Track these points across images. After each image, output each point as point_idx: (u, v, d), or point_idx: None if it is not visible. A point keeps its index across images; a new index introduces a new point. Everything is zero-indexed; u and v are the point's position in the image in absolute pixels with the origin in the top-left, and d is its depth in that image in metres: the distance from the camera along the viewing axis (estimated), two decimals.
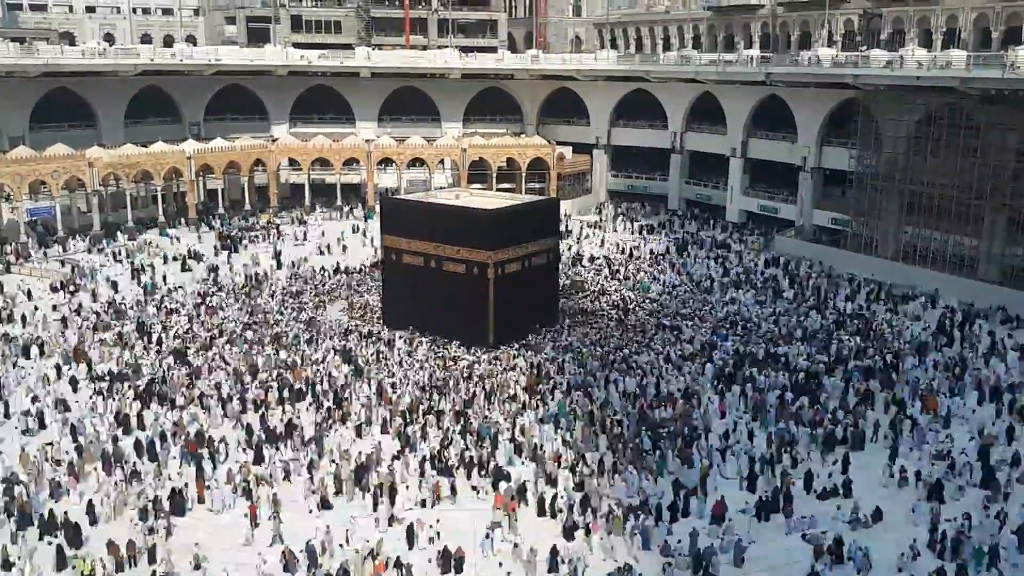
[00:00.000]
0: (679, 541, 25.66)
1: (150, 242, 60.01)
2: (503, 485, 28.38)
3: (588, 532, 26.31)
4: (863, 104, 56.16)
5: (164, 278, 51.99)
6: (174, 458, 30.50)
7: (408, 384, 36.26)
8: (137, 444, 30.76)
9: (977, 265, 51.13)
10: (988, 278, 50.12)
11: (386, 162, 73.35)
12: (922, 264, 52.91)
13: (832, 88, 59.84)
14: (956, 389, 36.76)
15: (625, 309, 47.63)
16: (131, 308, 46.43)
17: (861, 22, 65.23)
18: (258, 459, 30.22)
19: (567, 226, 64.75)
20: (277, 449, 30.90)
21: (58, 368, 37.93)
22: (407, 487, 28.59)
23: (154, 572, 23.98)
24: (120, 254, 57.21)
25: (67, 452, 30.46)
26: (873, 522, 26.84)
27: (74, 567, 23.97)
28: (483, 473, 29.47)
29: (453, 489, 28.63)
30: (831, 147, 62.54)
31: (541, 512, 27.61)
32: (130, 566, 24.45)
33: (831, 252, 58.21)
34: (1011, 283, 49.08)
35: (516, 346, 41.21)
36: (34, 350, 39.83)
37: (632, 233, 67.73)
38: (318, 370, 37.74)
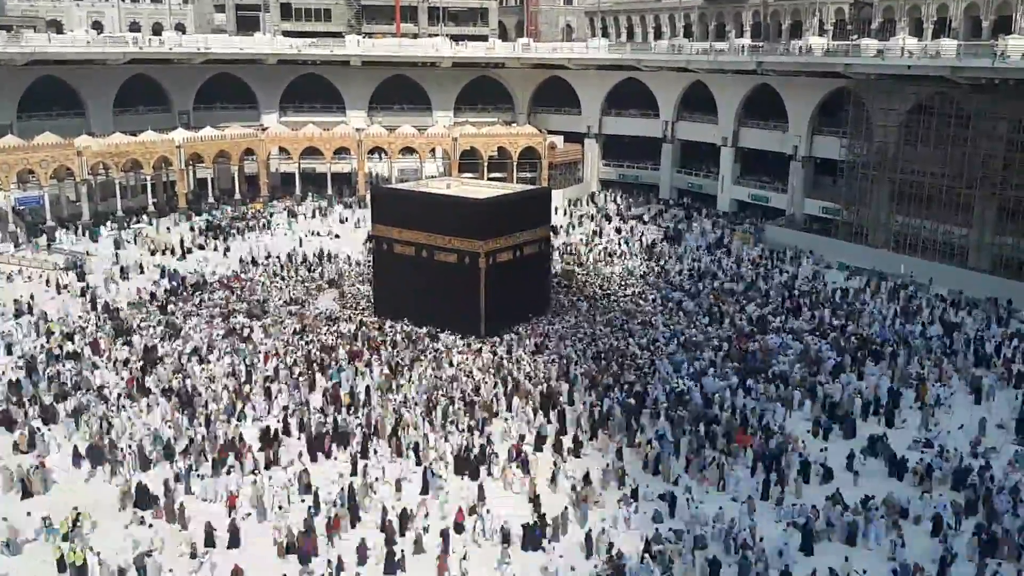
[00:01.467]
0: (669, 529, 25.80)
1: (140, 231, 59.88)
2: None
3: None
4: (854, 93, 56.21)
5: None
6: None
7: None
8: None
9: (967, 254, 51.35)
10: (978, 267, 50.34)
11: (377, 151, 73.11)
12: (912, 253, 53.09)
13: (823, 77, 59.90)
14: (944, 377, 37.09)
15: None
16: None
17: (852, 11, 65.23)
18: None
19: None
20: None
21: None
22: None
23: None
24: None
25: None
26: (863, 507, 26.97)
27: (66, 556, 23.89)
28: None
29: None
30: (822, 136, 62.73)
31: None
32: None
33: (821, 241, 58.32)
34: (1001, 272, 49.33)
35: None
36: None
37: (624, 222, 67.61)
38: None
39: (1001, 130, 48.73)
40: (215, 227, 61.53)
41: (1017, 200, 48.28)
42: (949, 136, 50.79)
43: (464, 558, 24.01)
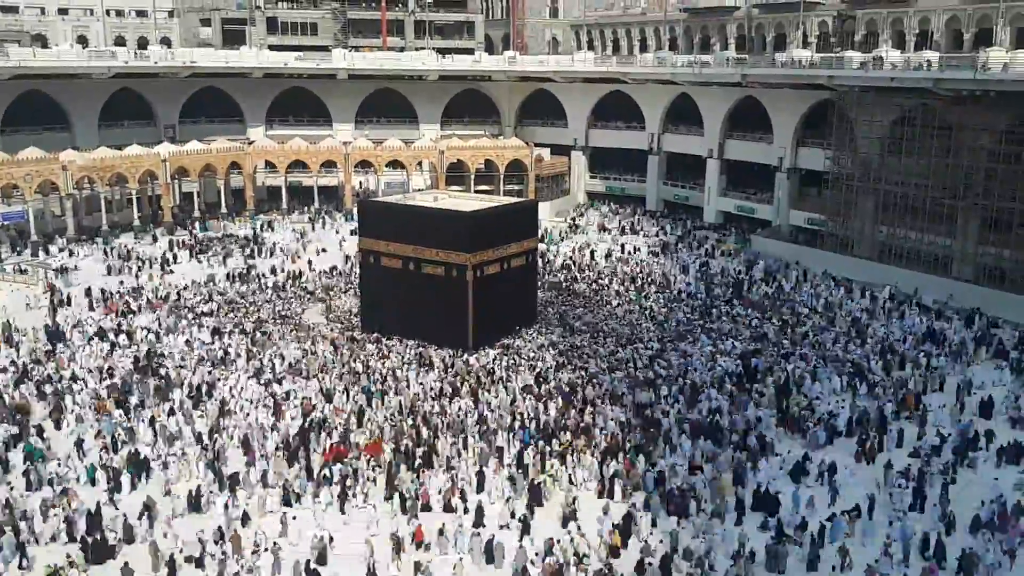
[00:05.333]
0: (660, 541, 25.76)
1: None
2: None
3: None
4: (838, 105, 56.61)
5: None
6: None
7: None
8: None
9: (951, 264, 51.69)
10: (962, 277, 50.65)
11: (363, 164, 73.10)
12: (897, 263, 53.41)
13: (807, 89, 60.31)
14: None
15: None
16: None
17: (835, 24, 65.75)
18: None
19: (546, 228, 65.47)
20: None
21: None
22: None
23: None
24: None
25: None
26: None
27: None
28: None
29: None
30: (807, 148, 63.14)
31: None
32: None
33: (807, 252, 58.58)
34: (984, 282, 49.68)
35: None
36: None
37: (611, 234, 67.82)
38: None
39: (983, 141, 49.13)
40: (200, 242, 61.05)
41: (1000, 211, 48.67)
42: (932, 147, 51.16)
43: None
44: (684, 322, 45.78)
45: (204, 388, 35.77)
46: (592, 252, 60.55)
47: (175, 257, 57.34)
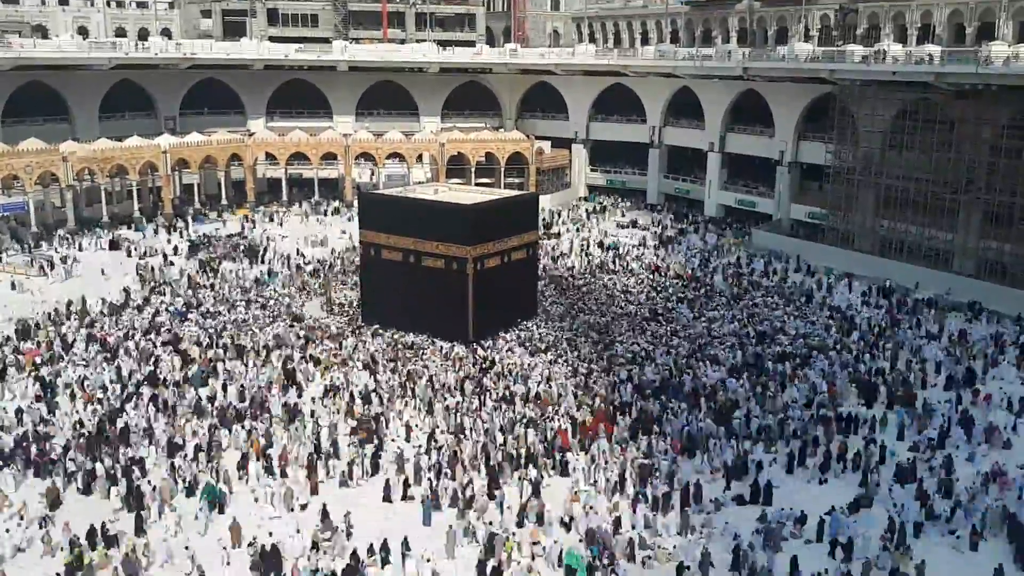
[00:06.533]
0: (659, 535, 25.78)
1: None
2: None
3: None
4: (839, 99, 56.56)
5: None
6: None
7: None
8: None
9: (952, 258, 51.68)
10: (963, 271, 50.66)
11: (364, 156, 73.03)
12: (898, 257, 53.42)
13: (809, 83, 60.23)
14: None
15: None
16: None
17: (837, 17, 65.69)
18: None
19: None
20: None
21: None
22: None
23: None
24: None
25: None
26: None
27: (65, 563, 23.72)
28: None
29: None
30: (808, 141, 63.10)
31: None
32: None
33: (808, 246, 58.56)
34: (985, 276, 49.69)
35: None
36: None
37: (617, 227, 67.86)
38: None
39: (985, 135, 49.14)
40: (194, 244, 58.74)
41: (1001, 205, 48.67)
42: (934, 142, 51.14)
43: None
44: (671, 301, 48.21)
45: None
46: (600, 244, 60.64)
47: (175, 249, 57.16)
